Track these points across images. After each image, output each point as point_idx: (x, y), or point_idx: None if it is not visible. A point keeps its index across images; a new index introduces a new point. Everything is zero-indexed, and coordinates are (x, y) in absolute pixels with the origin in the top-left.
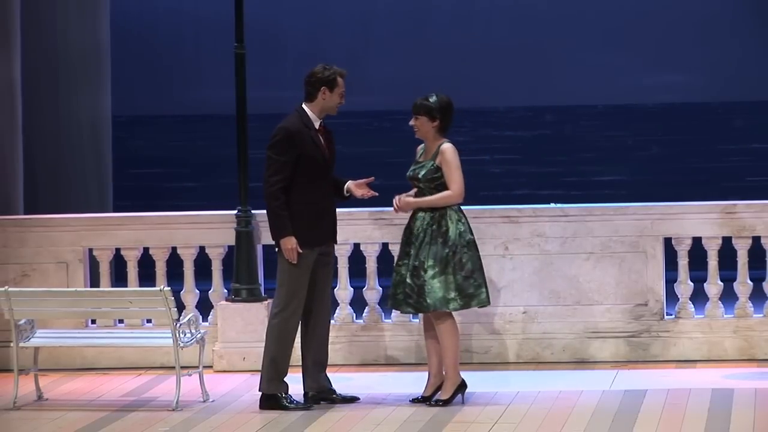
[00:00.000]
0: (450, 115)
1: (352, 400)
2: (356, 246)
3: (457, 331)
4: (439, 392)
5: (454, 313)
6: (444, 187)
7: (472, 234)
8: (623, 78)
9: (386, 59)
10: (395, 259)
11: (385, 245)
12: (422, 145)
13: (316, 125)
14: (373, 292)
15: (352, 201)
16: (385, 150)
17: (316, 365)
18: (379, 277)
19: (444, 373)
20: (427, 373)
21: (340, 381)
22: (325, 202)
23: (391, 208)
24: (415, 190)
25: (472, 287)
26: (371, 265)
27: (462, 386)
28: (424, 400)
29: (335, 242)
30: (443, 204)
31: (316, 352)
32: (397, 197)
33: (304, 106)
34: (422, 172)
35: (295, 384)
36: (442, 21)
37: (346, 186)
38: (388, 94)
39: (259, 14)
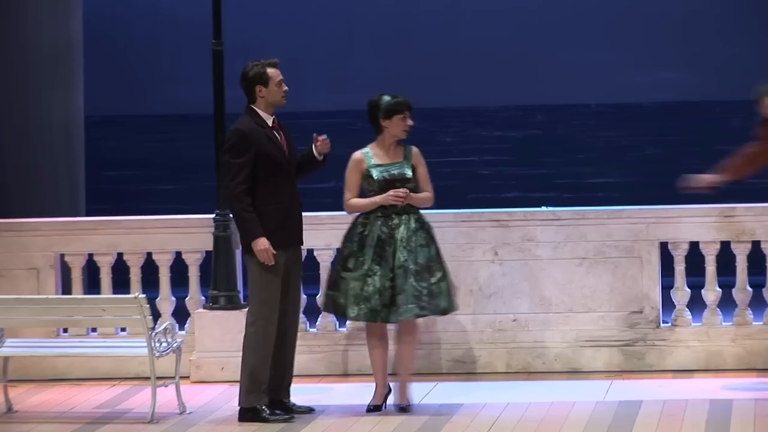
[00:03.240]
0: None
1: (308, 411)
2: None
3: None
4: (399, 397)
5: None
6: (416, 189)
7: None
8: (617, 76)
9: (371, 56)
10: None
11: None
12: (369, 148)
13: (269, 122)
14: None
15: (338, 205)
16: None
17: (277, 375)
18: None
19: (402, 380)
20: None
21: (323, 392)
22: (291, 201)
23: None
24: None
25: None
26: None
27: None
28: (375, 408)
29: (302, 244)
30: (428, 204)
31: (280, 360)
32: (404, 190)
33: (252, 105)
34: (408, 173)
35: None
36: (430, 17)
37: (313, 151)
38: (372, 93)
39: (238, 10)
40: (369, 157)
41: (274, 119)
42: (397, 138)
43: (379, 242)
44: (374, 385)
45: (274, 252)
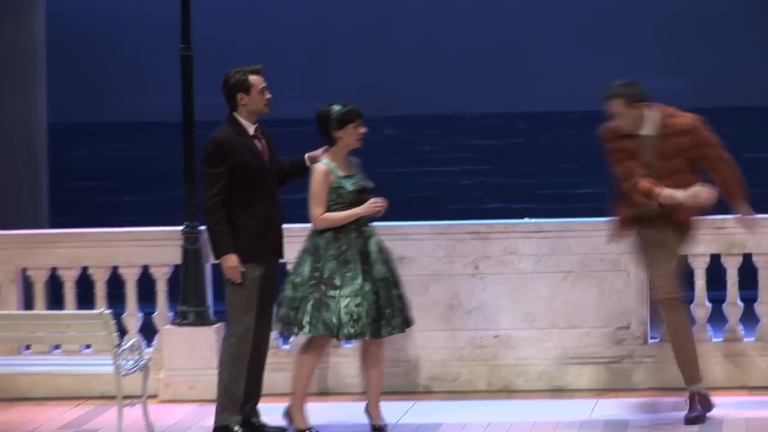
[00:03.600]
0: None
1: (280, 431)
2: None
3: None
4: (374, 417)
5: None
6: None
7: None
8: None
9: (347, 62)
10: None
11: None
12: (326, 160)
13: (251, 131)
14: None
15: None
16: None
17: (246, 394)
18: None
19: (375, 399)
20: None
21: None
22: (270, 214)
23: None
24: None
25: None
26: None
27: None
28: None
29: (281, 257)
30: None
31: (249, 377)
32: (383, 200)
33: (234, 114)
34: (370, 183)
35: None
36: (408, 22)
37: (305, 161)
38: (349, 100)
39: (208, 13)
40: (334, 169)
41: (256, 128)
42: (351, 147)
43: (360, 256)
44: (365, 403)
45: (243, 270)
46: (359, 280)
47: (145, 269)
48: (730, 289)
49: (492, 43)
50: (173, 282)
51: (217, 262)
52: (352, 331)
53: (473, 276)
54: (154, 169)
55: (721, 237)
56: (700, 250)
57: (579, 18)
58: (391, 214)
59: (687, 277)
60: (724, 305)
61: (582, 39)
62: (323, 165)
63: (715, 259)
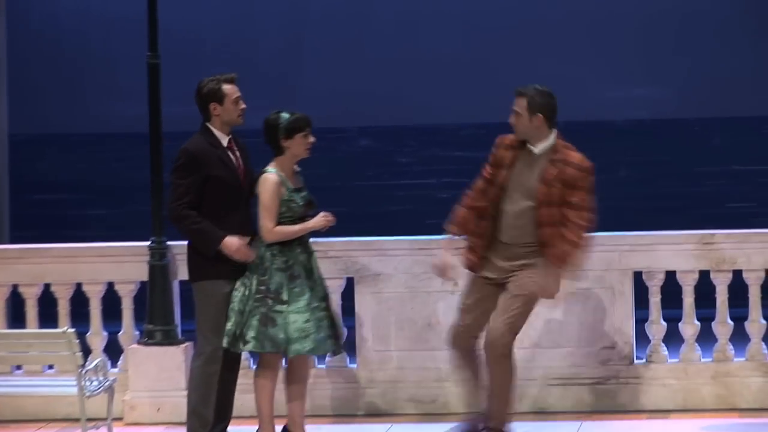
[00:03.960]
0: None
1: None
2: None
3: None
4: None
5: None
6: None
7: None
8: (587, 91)
9: (320, 71)
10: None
11: None
12: (275, 170)
13: (224, 142)
14: None
15: None
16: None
17: (216, 416)
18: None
19: (297, 420)
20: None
21: None
22: (241, 228)
23: (330, 239)
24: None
25: None
26: None
27: None
28: None
29: None
30: None
31: (219, 399)
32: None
33: (207, 124)
34: (314, 198)
35: None
36: (384, 29)
37: None
38: (323, 110)
39: (176, 18)
40: (285, 180)
41: (230, 139)
42: (299, 158)
43: (305, 271)
44: (284, 426)
45: (247, 247)
46: (306, 296)
47: (110, 286)
48: (719, 307)
49: (473, 51)
50: (139, 300)
51: (190, 278)
52: (301, 347)
53: (452, 293)
54: (119, 182)
55: (710, 253)
56: (688, 266)
57: (561, 27)
58: (366, 228)
59: (675, 294)
60: (713, 324)
61: (564, 48)
62: (274, 176)
63: (704, 275)
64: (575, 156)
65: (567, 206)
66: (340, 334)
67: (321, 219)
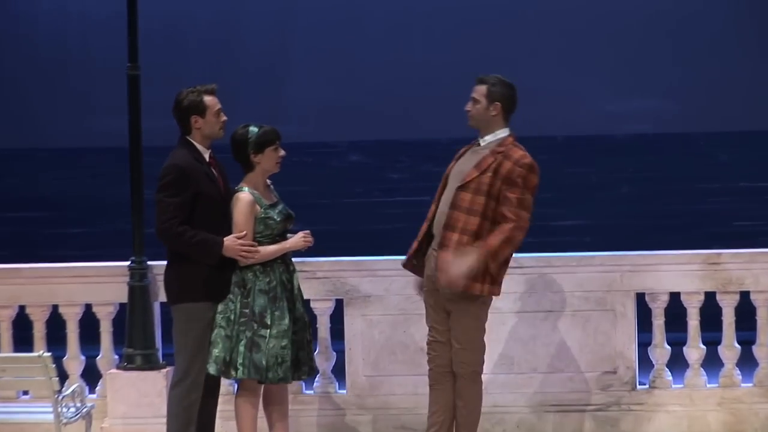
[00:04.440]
0: None
1: None
2: None
3: None
4: None
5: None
6: None
7: None
8: (587, 104)
9: (307, 81)
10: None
11: (306, 302)
12: (247, 188)
13: (206, 156)
14: None
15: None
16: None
17: None
18: None
19: None
20: None
21: None
22: None
23: (318, 259)
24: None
25: None
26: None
27: None
28: None
29: None
30: None
31: (199, 427)
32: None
33: (187, 137)
34: (292, 212)
35: None
36: (375, 38)
37: None
38: (310, 123)
39: (158, 27)
40: (258, 197)
41: (210, 153)
42: (270, 173)
43: (284, 293)
44: None
45: (250, 246)
46: (287, 320)
47: (88, 308)
48: (726, 330)
49: (469, 63)
50: (119, 322)
51: (168, 299)
52: (277, 375)
53: None
54: (97, 199)
55: (716, 273)
56: (693, 287)
57: (561, 38)
58: (356, 247)
59: (679, 316)
60: (719, 347)
61: (564, 57)
62: (247, 195)
63: (710, 297)
64: (518, 152)
65: (503, 202)
66: (311, 359)
67: (299, 239)
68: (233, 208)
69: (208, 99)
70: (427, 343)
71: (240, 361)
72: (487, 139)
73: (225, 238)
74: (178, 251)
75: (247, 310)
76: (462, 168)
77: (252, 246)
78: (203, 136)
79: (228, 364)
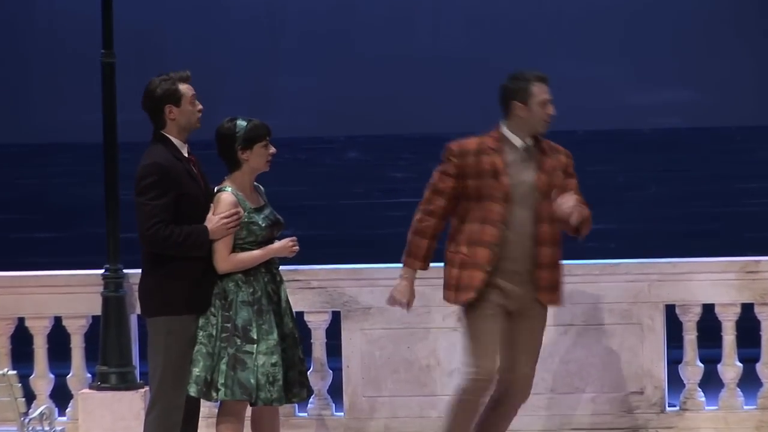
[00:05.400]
0: None
1: None
2: None
3: None
4: None
5: None
6: None
7: None
8: (611, 96)
9: (300, 70)
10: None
11: (299, 314)
12: (230, 188)
13: (185, 152)
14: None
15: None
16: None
17: None
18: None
19: None
20: None
21: None
22: (210, 255)
23: (313, 267)
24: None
25: None
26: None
27: None
28: None
29: None
30: None
31: None
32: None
33: (162, 132)
34: (280, 217)
35: None
36: (375, 24)
37: None
38: (303, 116)
39: (136, 15)
40: (242, 200)
41: (188, 149)
42: (259, 171)
43: (271, 305)
44: None
45: (235, 216)
46: (275, 335)
47: (58, 321)
48: (765, 346)
49: (476, 50)
50: (91, 337)
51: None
52: (269, 395)
53: (455, 330)
54: (69, 200)
55: (754, 283)
56: (728, 298)
57: (578, 26)
58: (355, 254)
59: (713, 331)
60: (758, 365)
61: (583, 49)
62: (229, 195)
63: (747, 309)
64: (551, 142)
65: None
66: (303, 379)
67: (284, 245)
68: (213, 210)
69: (183, 87)
70: None
71: (221, 380)
72: (528, 140)
73: (211, 225)
74: (167, 254)
75: (228, 324)
76: (530, 177)
77: (235, 212)
78: (180, 129)
79: (210, 384)
